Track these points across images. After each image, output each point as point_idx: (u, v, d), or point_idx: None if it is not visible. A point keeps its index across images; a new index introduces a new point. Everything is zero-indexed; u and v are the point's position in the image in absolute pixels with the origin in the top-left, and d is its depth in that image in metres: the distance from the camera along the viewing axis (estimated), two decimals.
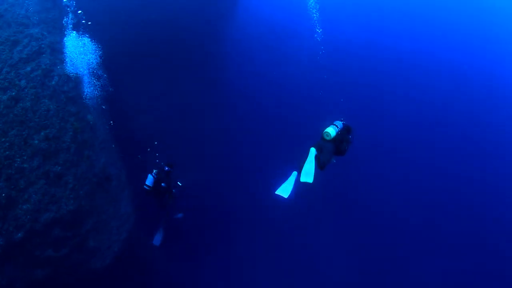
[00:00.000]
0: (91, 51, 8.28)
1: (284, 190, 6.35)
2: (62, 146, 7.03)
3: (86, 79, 8.32)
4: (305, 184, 6.36)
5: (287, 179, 6.46)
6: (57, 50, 7.77)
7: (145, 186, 8.88)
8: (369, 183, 20.26)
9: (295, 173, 6.48)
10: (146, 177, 8.88)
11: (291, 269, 15.58)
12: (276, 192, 6.37)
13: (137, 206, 9.24)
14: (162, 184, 8.95)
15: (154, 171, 9.01)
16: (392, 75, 25.27)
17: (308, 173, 6.28)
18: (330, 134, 6.64)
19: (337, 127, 6.85)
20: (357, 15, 28.17)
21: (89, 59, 8.32)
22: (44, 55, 7.43)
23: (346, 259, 16.28)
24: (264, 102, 20.82)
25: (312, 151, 6.41)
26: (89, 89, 8.39)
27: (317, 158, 6.43)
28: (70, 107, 7.28)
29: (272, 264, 15.45)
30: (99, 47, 8.37)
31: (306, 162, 6.40)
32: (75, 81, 7.83)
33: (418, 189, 20.83)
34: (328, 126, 6.83)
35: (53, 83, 7.19)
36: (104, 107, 9.80)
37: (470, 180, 21.66)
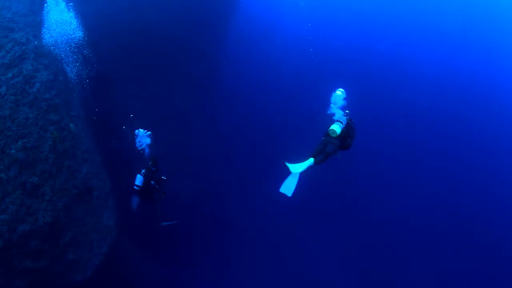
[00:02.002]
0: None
1: (288, 188, 6.46)
2: (40, 156, 6.73)
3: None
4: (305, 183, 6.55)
5: (289, 176, 6.53)
6: (42, 55, 7.50)
7: (135, 187, 8.75)
8: (369, 184, 20.24)
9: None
10: (135, 177, 8.71)
11: (289, 275, 15.46)
12: (280, 191, 6.48)
13: (121, 218, 8.93)
14: (152, 182, 8.79)
15: (143, 170, 8.86)
16: (392, 78, 25.22)
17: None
18: (335, 132, 6.82)
19: (342, 124, 7.02)
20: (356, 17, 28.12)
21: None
22: (27, 60, 7.17)
23: (346, 261, 16.34)
24: (262, 103, 20.88)
25: (310, 161, 6.54)
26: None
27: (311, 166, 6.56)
28: (51, 115, 7.00)
29: (269, 270, 15.37)
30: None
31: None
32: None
33: (419, 190, 20.72)
34: (333, 123, 7.02)
35: (34, 90, 6.92)
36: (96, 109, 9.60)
37: (470, 181, 21.58)
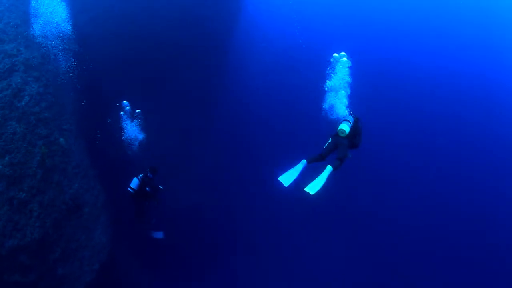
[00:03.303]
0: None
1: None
2: (27, 171, 6.53)
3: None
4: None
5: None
6: (32, 67, 7.32)
7: (129, 189, 8.74)
8: (370, 185, 20.01)
9: (304, 161, 6.59)
10: (131, 180, 8.74)
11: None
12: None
13: (114, 234, 8.67)
14: (147, 188, 8.77)
15: (140, 175, 8.83)
16: (392, 79, 24.97)
17: (288, 177, 6.43)
18: (345, 131, 6.81)
19: (350, 123, 7.01)
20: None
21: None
22: (16, 73, 7.00)
23: (347, 263, 16.22)
24: (264, 107, 20.89)
25: (303, 162, 6.58)
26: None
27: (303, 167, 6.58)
28: (40, 130, 6.79)
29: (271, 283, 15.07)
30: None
31: (294, 168, 6.56)
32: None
33: (420, 192, 20.50)
34: (341, 123, 6.99)
35: (22, 103, 6.72)
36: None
37: (470, 182, 21.22)
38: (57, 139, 7.05)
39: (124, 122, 9.78)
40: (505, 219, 19.55)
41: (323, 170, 6.40)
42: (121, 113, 9.71)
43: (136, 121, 9.88)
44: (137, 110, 9.18)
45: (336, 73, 7.82)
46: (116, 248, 8.71)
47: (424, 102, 24.15)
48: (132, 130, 9.91)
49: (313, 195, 6.06)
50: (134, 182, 8.72)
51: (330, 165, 6.43)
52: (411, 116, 23.62)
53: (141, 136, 10.11)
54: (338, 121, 7.23)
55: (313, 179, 6.24)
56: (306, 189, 6.10)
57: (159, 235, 10.20)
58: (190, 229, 13.77)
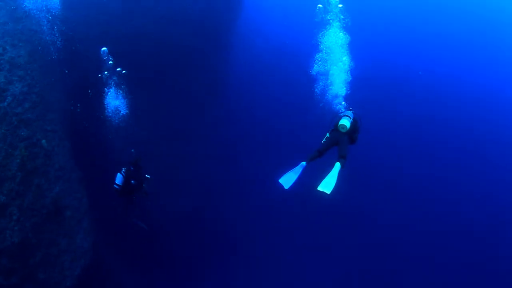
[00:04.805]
0: None
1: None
2: (7, 174, 6.35)
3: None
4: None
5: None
6: (17, 66, 7.13)
7: (115, 186, 8.56)
8: (371, 187, 19.95)
9: (303, 163, 6.53)
10: (115, 176, 8.55)
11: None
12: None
13: (99, 238, 8.50)
14: (132, 181, 8.58)
15: (123, 169, 8.63)
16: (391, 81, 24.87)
17: (288, 179, 6.39)
18: (346, 126, 6.70)
19: (350, 118, 6.92)
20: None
21: None
22: (1, 72, 6.81)
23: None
24: (264, 109, 20.86)
25: (302, 164, 6.52)
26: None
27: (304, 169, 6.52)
28: (21, 131, 6.61)
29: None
30: None
31: (293, 169, 6.52)
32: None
33: (419, 193, 20.53)
34: (341, 118, 6.88)
35: (5, 104, 6.54)
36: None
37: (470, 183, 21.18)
38: (39, 141, 6.87)
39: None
40: (505, 219, 19.62)
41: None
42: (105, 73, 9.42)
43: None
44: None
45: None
46: (99, 252, 8.53)
47: (423, 102, 24.17)
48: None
49: (329, 194, 5.91)
50: (118, 178, 8.51)
51: (338, 162, 6.32)
52: (411, 116, 23.62)
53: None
54: (337, 116, 7.14)
55: (322, 178, 6.07)
56: (320, 189, 5.94)
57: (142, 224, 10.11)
58: (185, 232, 13.61)
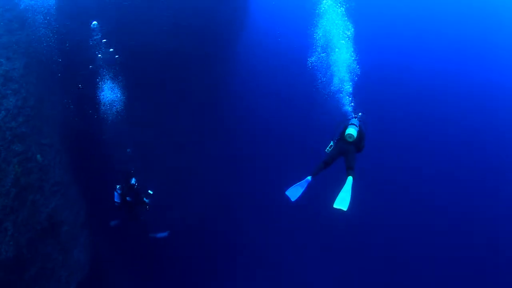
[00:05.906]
0: None
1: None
2: (0, 190, 6.24)
3: None
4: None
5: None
6: (12, 79, 7.03)
7: (115, 203, 8.70)
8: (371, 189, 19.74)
9: (308, 178, 6.44)
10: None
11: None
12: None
13: (94, 254, 8.37)
14: (127, 198, 8.64)
15: (117, 186, 8.68)
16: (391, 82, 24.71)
17: (295, 192, 6.41)
18: (353, 136, 6.56)
19: (356, 126, 6.78)
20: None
21: None
22: None
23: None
24: (269, 113, 20.81)
25: (308, 179, 6.45)
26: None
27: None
28: (16, 146, 6.49)
29: None
30: None
31: (300, 183, 6.47)
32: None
33: (418, 193, 20.50)
34: (347, 127, 6.76)
35: None
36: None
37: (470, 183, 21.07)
38: (34, 155, 6.76)
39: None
40: (504, 219, 19.44)
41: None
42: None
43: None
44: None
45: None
46: (98, 265, 8.41)
47: (423, 102, 24.16)
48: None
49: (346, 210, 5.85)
50: (116, 196, 8.63)
51: (350, 175, 6.24)
52: (410, 116, 23.57)
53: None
54: (342, 125, 6.99)
55: (336, 194, 5.99)
56: (336, 206, 5.85)
57: (163, 234, 10.14)
58: (187, 239, 13.49)
